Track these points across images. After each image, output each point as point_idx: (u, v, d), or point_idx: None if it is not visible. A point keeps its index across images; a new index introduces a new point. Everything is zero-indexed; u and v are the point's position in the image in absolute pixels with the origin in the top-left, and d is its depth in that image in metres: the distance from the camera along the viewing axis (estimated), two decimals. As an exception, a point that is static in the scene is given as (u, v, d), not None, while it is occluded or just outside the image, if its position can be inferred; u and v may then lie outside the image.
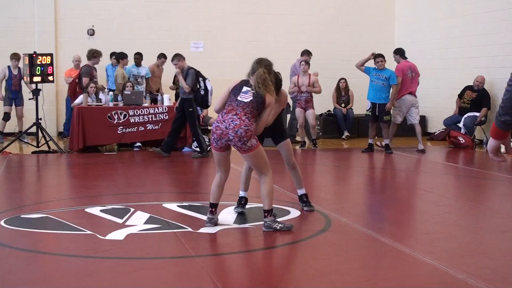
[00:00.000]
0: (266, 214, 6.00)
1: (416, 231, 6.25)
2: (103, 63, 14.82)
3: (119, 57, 14.04)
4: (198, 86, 11.39)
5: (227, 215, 6.65)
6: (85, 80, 12.60)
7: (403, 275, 4.85)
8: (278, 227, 5.96)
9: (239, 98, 6.07)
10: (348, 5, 17.09)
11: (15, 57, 13.72)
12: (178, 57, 11.62)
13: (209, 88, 11.51)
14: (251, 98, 6.05)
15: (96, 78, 12.99)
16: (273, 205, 6.13)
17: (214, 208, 6.25)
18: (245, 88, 6.12)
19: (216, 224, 6.21)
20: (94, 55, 12.82)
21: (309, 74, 12.93)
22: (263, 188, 6.02)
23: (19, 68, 13.66)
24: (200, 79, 11.45)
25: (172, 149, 11.73)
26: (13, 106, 14.05)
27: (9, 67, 13.88)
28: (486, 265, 5.02)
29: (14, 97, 13.99)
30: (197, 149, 12.31)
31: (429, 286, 4.59)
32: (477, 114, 13.45)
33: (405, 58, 12.94)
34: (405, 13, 17.10)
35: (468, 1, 14.47)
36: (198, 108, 13.01)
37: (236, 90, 6.16)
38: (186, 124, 12.12)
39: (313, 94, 12.97)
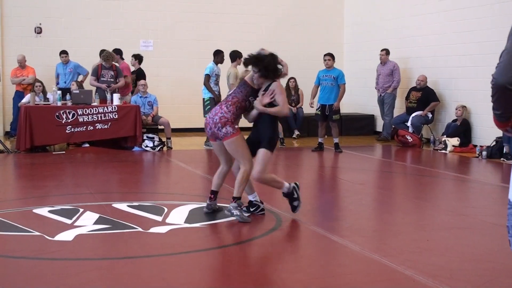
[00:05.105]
0: (232, 200, 6.40)
1: (365, 228, 6.33)
2: (52, 62, 14.57)
3: (235, 56, 12.71)
4: None
5: (178, 215, 6.64)
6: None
7: (352, 272, 4.91)
8: (235, 214, 6.32)
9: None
10: (298, 5, 17.22)
11: None
12: None
13: None
14: (236, 88, 6.61)
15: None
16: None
17: (213, 194, 6.71)
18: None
19: (214, 210, 6.71)
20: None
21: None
22: (238, 177, 6.40)
23: None
24: None
25: None
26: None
27: None
28: (433, 261, 5.11)
29: None
30: (147, 148, 12.23)
31: (377, 283, 4.65)
32: (425, 113, 13.72)
33: (123, 59, 13.79)
34: (354, 14, 17.30)
35: (416, 2, 14.73)
36: (148, 107, 12.92)
37: None
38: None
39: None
